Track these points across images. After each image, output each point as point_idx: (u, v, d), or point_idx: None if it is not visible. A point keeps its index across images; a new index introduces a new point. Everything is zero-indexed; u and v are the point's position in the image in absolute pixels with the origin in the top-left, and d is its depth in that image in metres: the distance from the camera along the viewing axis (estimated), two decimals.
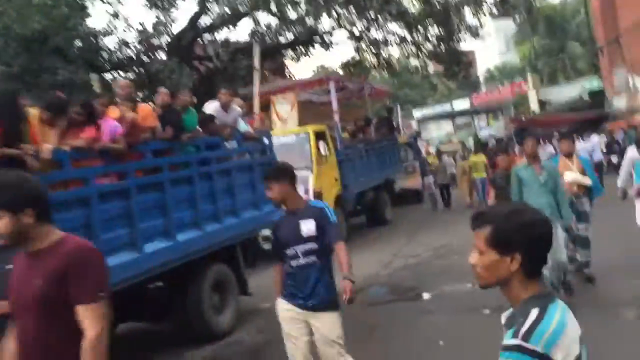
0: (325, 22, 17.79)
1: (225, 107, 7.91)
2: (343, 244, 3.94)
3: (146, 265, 5.68)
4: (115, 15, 16.77)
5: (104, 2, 17.98)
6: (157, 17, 17.84)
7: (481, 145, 22.83)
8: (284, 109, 13.19)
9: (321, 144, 11.87)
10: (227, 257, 7.13)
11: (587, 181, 6.94)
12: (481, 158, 14.87)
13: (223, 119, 7.76)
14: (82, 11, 15.69)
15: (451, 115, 44.61)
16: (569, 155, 7.03)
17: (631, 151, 7.28)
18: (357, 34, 19.00)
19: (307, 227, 3.83)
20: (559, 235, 5.85)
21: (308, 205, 4.02)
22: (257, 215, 7.51)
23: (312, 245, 3.85)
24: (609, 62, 27.95)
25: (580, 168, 6.99)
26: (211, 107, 8.02)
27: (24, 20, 13.03)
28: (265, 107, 13.34)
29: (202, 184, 6.71)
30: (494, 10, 17.43)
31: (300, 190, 10.77)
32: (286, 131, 12.42)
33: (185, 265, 6.26)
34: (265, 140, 8.43)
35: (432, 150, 24.23)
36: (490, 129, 37.62)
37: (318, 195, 11.09)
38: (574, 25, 37.41)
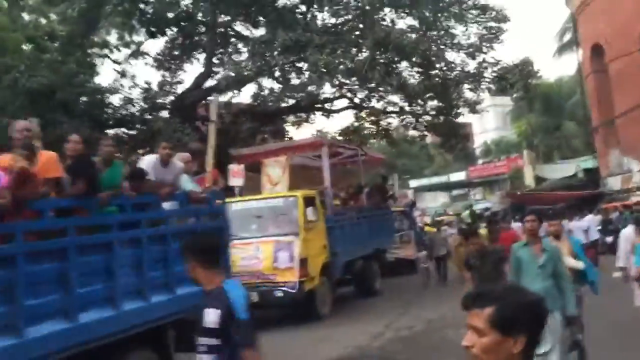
0: (328, 90, 18.17)
1: (165, 161, 6.92)
2: (253, 353, 3.06)
3: (33, 353, 4.47)
4: (123, 74, 17.17)
5: (113, 62, 18.46)
6: (163, 77, 18.31)
7: (477, 218, 22.87)
8: (276, 172, 12.91)
9: (310, 209, 11.55)
10: (154, 340, 5.96)
11: (580, 265, 6.41)
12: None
13: (161, 175, 6.78)
14: (91, 69, 16.06)
15: (447, 187, 44.97)
16: (556, 237, 6.48)
17: (628, 230, 7.29)
18: (357, 102, 19.40)
19: (210, 317, 3.07)
20: (554, 328, 5.21)
21: (220, 289, 3.14)
22: (199, 291, 6.47)
23: (213, 341, 3.08)
24: (604, 142, 28.43)
25: (571, 250, 6.46)
26: (147, 161, 7.12)
27: (33, 74, 13.28)
28: (256, 169, 13.52)
29: (124, 252, 5.60)
30: (492, 87, 17.85)
31: (285, 256, 10.77)
32: (274, 194, 12.23)
33: (96, 351, 5.10)
34: (219, 203, 7.47)
35: (428, 220, 24.27)
36: (486, 202, 37.80)
37: (303, 262, 10.83)
38: (570, 104, 38.22)
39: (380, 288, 14.63)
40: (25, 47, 16.89)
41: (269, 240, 11.03)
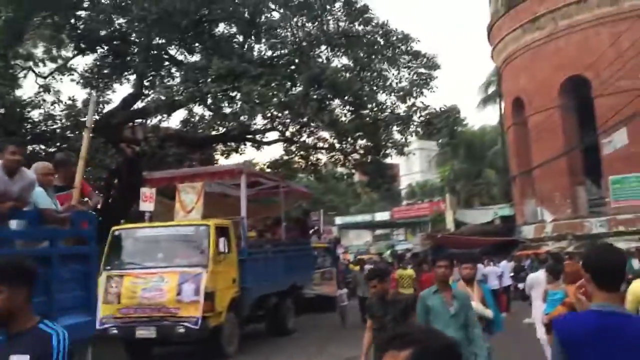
0: (259, 121, 18.14)
1: (10, 170, 5.51)
2: None
3: None
4: (46, 88, 16.47)
5: (37, 75, 17.74)
6: (89, 94, 17.68)
7: (399, 259, 23.22)
8: (190, 198, 11.95)
9: (222, 240, 10.82)
10: None
11: (489, 314, 6.14)
12: (408, 272, 14.60)
13: (3, 186, 5.50)
14: (13, 80, 15.32)
15: (371, 226, 45.61)
16: (469, 281, 6.25)
17: (537, 274, 7.60)
18: (288, 135, 19.46)
19: None
20: None
21: (36, 329, 2.48)
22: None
23: None
24: (521, 192, 29.82)
25: (481, 296, 6.23)
26: None
27: None
28: (171, 194, 12.78)
29: None
30: (420, 131, 18.36)
31: (191, 289, 10.06)
32: (184, 222, 11.50)
33: None
34: (85, 226, 6.44)
35: (350, 258, 24.38)
36: (407, 243, 38.57)
37: (209, 296, 10.21)
38: (492, 153, 39.98)
39: (294, 326, 14.07)
40: None
41: (174, 271, 10.34)
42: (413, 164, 58.69)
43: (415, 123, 17.75)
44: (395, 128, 17.95)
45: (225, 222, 11.52)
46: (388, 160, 20.68)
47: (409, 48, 17.66)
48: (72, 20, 16.49)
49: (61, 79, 18.59)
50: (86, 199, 7.07)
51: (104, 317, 9.97)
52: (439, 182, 49.09)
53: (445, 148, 40.20)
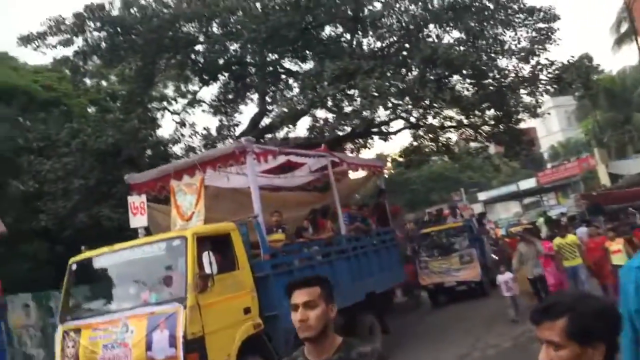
0: (382, 113, 18.15)
1: None
2: None
3: None
4: (182, 123, 17.79)
5: (172, 113, 19.21)
6: (221, 121, 18.84)
7: (553, 224, 21.87)
8: (187, 200, 8.82)
9: (208, 256, 7.02)
10: None
11: None
12: (570, 239, 12.03)
13: None
14: (152, 123, 16.76)
15: (518, 196, 43.68)
16: None
17: None
18: (413, 121, 19.27)
19: None
20: None
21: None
22: None
23: None
24: None
25: None
26: None
27: (99, 135, 13.95)
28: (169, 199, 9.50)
29: None
30: (550, 89, 17.33)
31: (163, 338, 6.58)
32: (151, 238, 7.97)
33: None
34: None
35: (501, 232, 23.46)
36: (561, 207, 36.43)
37: (196, 344, 6.68)
38: (637, 95, 36.61)
39: (383, 345, 10.13)
40: (90, 110, 17.84)
41: (140, 314, 6.91)
42: (551, 124, 55.28)
43: (544, 82, 16.80)
44: (522, 91, 17.11)
45: (220, 228, 8.10)
46: (522, 126, 19.73)
47: (521, 6, 16.74)
48: (192, 56, 17.63)
49: (193, 111, 20.01)
50: None
51: None
52: (583, 137, 45.84)
53: (583, 100, 37.47)
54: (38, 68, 18.05)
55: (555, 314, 1.58)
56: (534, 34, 16.91)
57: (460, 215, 17.99)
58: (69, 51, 15.70)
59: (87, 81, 18.97)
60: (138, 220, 9.05)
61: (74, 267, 7.92)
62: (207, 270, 7.00)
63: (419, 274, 16.14)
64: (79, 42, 15.47)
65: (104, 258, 7.83)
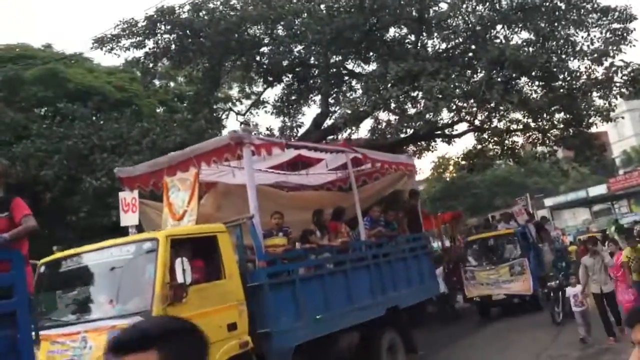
0: (445, 115, 17.89)
1: None
2: None
3: None
4: (247, 124, 18.12)
5: (237, 114, 19.61)
6: (283, 122, 19.09)
7: (626, 233, 20.85)
8: (180, 197, 8.06)
9: (182, 263, 6.08)
10: None
11: None
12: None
13: None
14: (218, 123, 17.16)
15: (587, 202, 42.11)
16: None
17: None
18: (478, 124, 18.90)
19: None
20: None
21: None
22: None
23: None
24: None
25: None
26: None
27: (167, 135, 14.39)
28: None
29: None
30: (625, 91, 16.61)
31: None
32: (118, 241, 7.01)
33: None
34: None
35: (568, 240, 22.67)
36: (633, 215, 34.87)
37: None
38: None
39: None
40: (158, 110, 18.44)
41: (101, 327, 6.02)
42: (624, 128, 53.05)
43: (618, 84, 16.12)
44: (595, 94, 16.47)
45: (203, 230, 7.23)
46: (593, 130, 18.99)
47: (595, 5, 16.12)
48: (257, 58, 17.92)
49: (257, 112, 20.35)
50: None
51: None
52: None
53: None
54: (111, 69, 18.80)
55: None
56: (608, 34, 16.27)
57: (514, 221, 16.40)
58: (139, 53, 16.29)
59: (156, 82, 19.62)
60: (129, 218, 8.36)
61: (42, 269, 6.98)
62: (180, 279, 6.08)
63: (465, 284, 15.06)
64: (149, 44, 16.02)
65: (72, 261, 7.00)
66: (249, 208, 7.52)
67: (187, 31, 15.74)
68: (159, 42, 16.05)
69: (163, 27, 15.81)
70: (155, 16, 15.41)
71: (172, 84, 21.31)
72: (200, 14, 15.79)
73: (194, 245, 6.83)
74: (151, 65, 16.69)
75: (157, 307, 5.99)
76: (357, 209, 9.72)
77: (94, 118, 15.64)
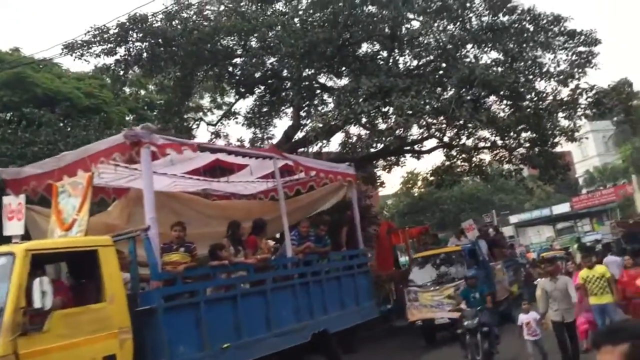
0: (415, 131, 18.12)
1: None
2: None
3: None
4: (217, 134, 18.04)
5: (207, 124, 19.51)
6: (254, 134, 19.05)
7: (587, 251, 21.27)
8: (70, 204, 7.02)
9: (40, 284, 5.16)
10: None
11: None
12: (599, 270, 9.69)
13: None
14: (188, 132, 17.08)
15: (551, 220, 42.96)
16: None
17: None
18: (447, 140, 19.16)
19: None
20: None
21: None
22: None
23: None
24: None
25: None
26: None
27: None
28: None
29: None
30: (589, 113, 17.05)
31: None
32: None
33: None
34: None
35: (532, 257, 23.01)
36: (595, 234, 35.67)
37: None
38: None
39: None
40: (128, 117, 18.22)
41: None
42: (587, 149, 54.42)
43: (583, 106, 16.53)
44: (560, 114, 16.87)
45: (79, 243, 6.28)
46: (558, 149, 19.44)
47: (562, 28, 16.61)
48: (230, 69, 17.89)
49: (228, 123, 20.27)
50: None
51: None
52: (620, 163, 44.92)
53: (622, 126, 36.80)
54: (80, 75, 18.52)
55: (617, 338, 1.58)
56: (574, 57, 16.75)
57: (464, 237, 15.24)
58: (110, 60, 16.10)
59: (127, 90, 19.39)
60: (13, 227, 7.08)
61: None
62: (38, 303, 5.09)
63: (407, 306, 13.28)
64: (121, 51, 15.84)
65: None
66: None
67: (160, 40, 15.62)
68: (131, 49, 15.89)
69: (135, 35, 15.66)
70: (127, 24, 15.25)
71: (142, 92, 21.08)
72: (174, 23, 15.70)
73: (68, 261, 5.90)
74: (122, 72, 16.50)
75: (5, 339, 4.97)
76: (284, 222, 8.84)
77: (61, 124, 15.36)
